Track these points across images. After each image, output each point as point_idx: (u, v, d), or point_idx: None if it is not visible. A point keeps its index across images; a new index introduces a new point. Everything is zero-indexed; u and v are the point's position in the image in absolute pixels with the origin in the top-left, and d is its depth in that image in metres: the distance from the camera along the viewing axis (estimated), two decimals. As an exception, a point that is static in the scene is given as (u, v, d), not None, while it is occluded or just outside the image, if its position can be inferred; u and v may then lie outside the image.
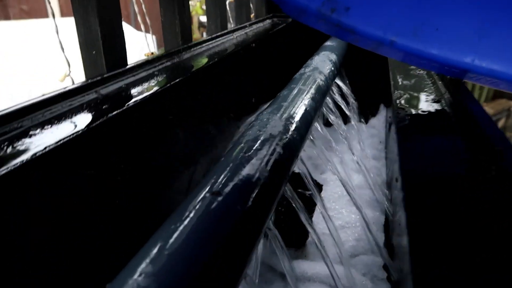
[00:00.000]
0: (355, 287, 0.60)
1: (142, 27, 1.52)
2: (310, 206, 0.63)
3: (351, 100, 1.10)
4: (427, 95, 0.46)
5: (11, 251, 0.32)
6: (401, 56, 0.44)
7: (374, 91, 1.21)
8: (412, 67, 0.61)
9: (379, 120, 1.21)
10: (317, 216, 0.71)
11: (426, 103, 0.43)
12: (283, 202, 0.64)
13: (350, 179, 0.74)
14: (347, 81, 1.11)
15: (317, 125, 0.72)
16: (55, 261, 0.37)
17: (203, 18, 4.51)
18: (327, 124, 1.02)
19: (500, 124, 3.60)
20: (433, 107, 0.41)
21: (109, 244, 0.44)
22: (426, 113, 0.40)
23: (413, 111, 0.40)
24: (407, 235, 0.26)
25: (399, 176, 0.30)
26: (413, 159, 0.31)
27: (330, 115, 0.89)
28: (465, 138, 0.32)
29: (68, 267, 0.39)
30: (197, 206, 0.31)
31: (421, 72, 0.57)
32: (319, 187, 0.68)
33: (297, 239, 0.67)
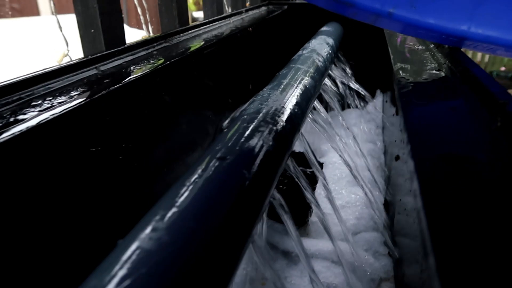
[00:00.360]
0: (358, 262, 0.60)
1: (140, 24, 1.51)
2: (312, 184, 0.64)
3: (349, 85, 1.10)
4: (428, 65, 0.46)
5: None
6: (400, 28, 0.44)
7: (370, 77, 1.21)
8: (410, 45, 0.62)
9: (376, 106, 1.21)
10: (318, 195, 0.72)
11: (427, 72, 0.43)
12: (284, 180, 0.64)
13: (352, 160, 0.74)
14: (346, 67, 1.11)
15: (318, 106, 0.72)
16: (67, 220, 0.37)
17: (196, 14, 4.49)
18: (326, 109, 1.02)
19: None
20: (434, 74, 0.42)
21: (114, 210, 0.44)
22: (428, 80, 0.41)
23: (415, 80, 0.41)
24: (421, 201, 0.25)
25: (407, 143, 0.31)
26: (419, 124, 0.31)
27: (328, 100, 0.90)
28: (468, 97, 0.33)
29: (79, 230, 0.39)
30: (205, 169, 0.31)
31: (420, 47, 0.57)
32: (320, 165, 0.69)
33: (299, 217, 0.68)
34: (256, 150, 0.36)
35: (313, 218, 0.71)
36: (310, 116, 0.68)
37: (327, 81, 0.94)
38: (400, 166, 0.73)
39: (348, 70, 1.17)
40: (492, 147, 0.24)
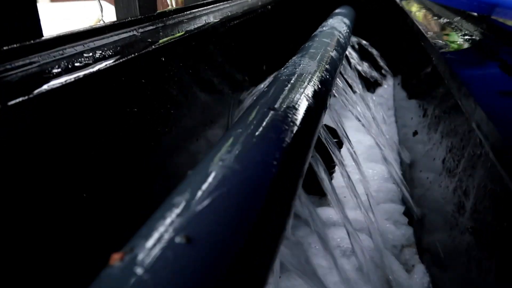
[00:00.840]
0: (379, 230, 0.62)
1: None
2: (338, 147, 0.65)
3: (361, 68, 1.11)
4: (461, 34, 0.47)
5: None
6: None
7: (381, 61, 1.22)
8: (434, 19, 0.63)
9: (387, 90, 1.22)
10: (338, 173, 0.73)
11: (463, 41, 0.45)
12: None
13: (372, 136, 0.76)
14: (361, 45, 1.12)
15: (339, 82, 0.73)
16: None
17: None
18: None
19: None
20: (471, 41, 0.43)
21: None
22: (469, 48, 0.42)
23: (457, 49, 0.42)
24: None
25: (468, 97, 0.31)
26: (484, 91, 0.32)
27: (345, 81, 0.91)
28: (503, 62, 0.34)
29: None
30: (258, 118, 0.33)
31: (445, 20, 0.58)
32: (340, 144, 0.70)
33: (321, 188, 0.69)
34: (300, 104, 0.38)
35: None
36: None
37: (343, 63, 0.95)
38: (419, 140, 0.74)
39: (354, 55, 1.18)
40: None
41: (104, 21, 0.55)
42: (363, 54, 1.19)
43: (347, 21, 0.94)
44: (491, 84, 0.34)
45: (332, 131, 0.60)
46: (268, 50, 1.02)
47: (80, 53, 0.37)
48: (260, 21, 0.86)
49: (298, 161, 0.31)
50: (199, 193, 0.22)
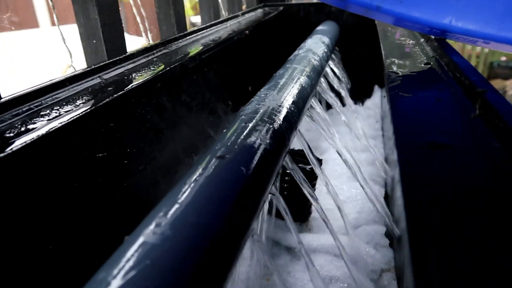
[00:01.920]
0: (359, 255, 0.62)
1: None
2: (311, 180, 0.66)
3: (346, 82, 1.11)
4: (417, 59, 0.48)
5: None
6: (389, 20, 0.46)
7: (368, 73, 1.23)
8: (401, 40, 0.63)
9: (374, 101, 1.23)
10: (319, 191, 0.73)
11: (415, 65, 0.45)
12: (285, 178, 0.66)
13: (351, 156, 0.76)
14: (341, 64, 1.13)
15: (315, 105, 0.74)
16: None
17: (194, 19, 4.52)
18: (325, 106, 1.04)
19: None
20: (422, 67, 0.44)
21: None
22: (416, 73, 0.42)
23: (404, 73, 0.42)
24: (401, 189, 0.27)
25: (392, 134, 0.32)
26: (404, 115, 0.33)
27: (327, 97, 0.92)
28: (452, 87, 0.34)
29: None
30: (205, 168, 0.33)
31: (411, 41, 0.59)
32: (319, 162, 0.70)
33: (301, 213, 0.69)
34: (254, 148, 0.38)
35: (315, 214, 0.73)
36: (308, 114, 0.70)
37: (323, 77, 0.96)
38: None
39: (343, 68, 1.19)
40: (472, 134, 0.26)
41: (74, 67, 0.56)
42: (348, 66, 1.19)
43: (326, 39, 0.95)
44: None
45: (303, 158, 0.61)
46: (253, 71, 1.03)
47: (47, 107, 0.38)
48: (241, 44, 0.87)
49: (242, 214, 0.32)
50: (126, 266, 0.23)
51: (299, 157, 0.63)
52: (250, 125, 0.43)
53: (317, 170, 0.58)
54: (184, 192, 0.30)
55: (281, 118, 0.48)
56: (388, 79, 0.42)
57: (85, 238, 0.41)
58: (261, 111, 0.47)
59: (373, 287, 0.54)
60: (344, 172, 0.87)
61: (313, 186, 0.67)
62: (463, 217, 0.21)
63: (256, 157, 0.37)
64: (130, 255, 0.24)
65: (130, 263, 0.23)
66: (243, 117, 0.45)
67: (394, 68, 0.45)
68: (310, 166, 0.63)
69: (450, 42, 0.53)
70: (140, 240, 0.25)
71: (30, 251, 0.34)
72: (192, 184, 0.31)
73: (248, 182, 0.35)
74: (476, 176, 0.23)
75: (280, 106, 0.50)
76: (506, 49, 0.47)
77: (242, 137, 0.40)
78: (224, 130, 0.43)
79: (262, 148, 0.39)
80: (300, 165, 0.62)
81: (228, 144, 0.38)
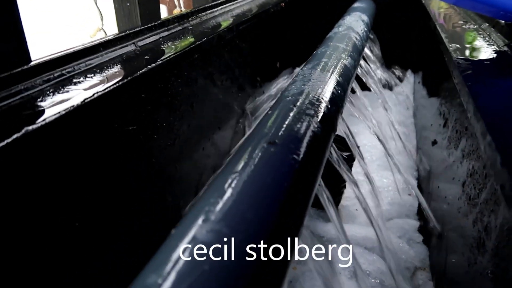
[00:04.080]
0: (392, 250, 0.59)
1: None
2: (348, 167, 0.62)
3: (381, 65, 1.06)
4: (484, 45, 0.43)
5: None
6: (462, 3, 0.42)
7: (402, 57, 1.16)
8: (459, 24, 0.58)
9: (406, 87, 1.17)
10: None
11: (485, 53, 0.40)
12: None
13: (383, 144, 0.72)
14: (377, 45, 1.06)
15: (354, 88, 0.69)
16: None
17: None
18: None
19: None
20: (494, 55, 0.39)
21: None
22: (488, 62, 0.38)
23: (475, 60, 0.38)
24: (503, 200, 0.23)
25: (479, 121, 0.28)
26: (495, 109, 0.28)
27: (366, 79, 0.87)
28: None
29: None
30: (256, 156, 0.30)
31: (470, 26, 0.53)
32: (358, 149, 0.66)
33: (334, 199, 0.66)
34: (305, 134, 0.34)
35: (345, 202, 0.69)
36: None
37: (365, 59, 0.90)
38: (438, 151, 0.70)
39: (377, 51, 1.13)
40: None
41: (104, 31, 0.53)
42: (383, 48, 1.13)
43: (365, 17, 0.89)
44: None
45: (342, 142, 0.57)
46: (281, 49, 0.99)
47: (80, 74, 0.35)
48: (272, 21, 0.82)
49: (297, 208, 0.29)
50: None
51: (337, 143, 0.59)
52: (298, 108, 0.39)
53: (357, 158, 0.54)
54: (235, 183, 0.26)
55: (328, 101, 0.44)
56: (457, 67, 0.37)
57: (119, 209, 0.39)
58: (307, 92, 0.43)
59: (408, 287, 0.51)
60: (375, 159, 0.83)
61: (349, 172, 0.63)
62: None
63: (308, 143, 0.34)
64: (182, 255, 0.21)
65: (185, 266, 0.20)
66: (289, 98, 0.41)
67: (463, 55, 0.40)
68: (347, 153, 0.59)
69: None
70: (190, 237, 0.22)
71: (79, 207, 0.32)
72: (245, 174, 0.27)
73: (302, 170, 0.31)
74: None
75: (326, 87, 0.46)
76: None
77: (291, 121, 0.36)
78: (269, 112, 0.39)
79: (312, 133, 0.36)
80: (338, 151, 0.58)
81: (278, 128, 0.34)
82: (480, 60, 0.39)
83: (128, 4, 0.49)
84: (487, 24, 0.51)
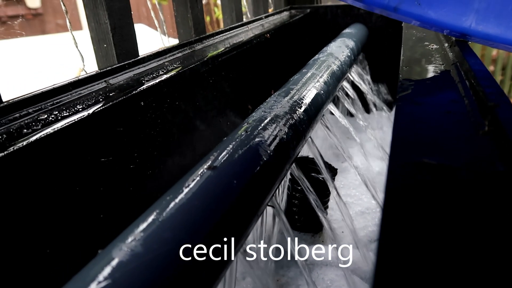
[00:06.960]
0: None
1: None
2: (324, 191, 0.63)
3: (371, 87, 1.07)
4: (435, 65, 0.44)
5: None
6: (407, 20, 0.44)
7: (395, 78, 1.17)
8: (425, 44, 0.60)
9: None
10: (331, 208, 0.70)
11: (432, 73, 0.42)
12: (298, 187, 0.64)
13: (370, 167, 0.73)
14: (367, 68, 1.08)
15: (336, 113, 0.71)
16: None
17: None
18: (349, 113, 1.00)
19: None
20: (438, 75, 0.40)
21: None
22: (429, 82, 0.39)
23: (418, 81, 0.39)
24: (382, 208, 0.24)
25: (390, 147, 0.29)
26: (405, 128, 0.30)
27: (348, 104, 0.88)
28: (466, 98, 0.31)
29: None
30: (193, 180, 0.32)
31: (434, 46, 0.55)
32: (333, 171, 0.67)
33: (314, 224, 0.67)
34: (251, 160, 0.36)
35: (330, 224, 0.70)
36: (323, 121, 0.67)
37: (348, 82, 0.92)
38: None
39: (367, 74, 1.14)
40: (474, 154, 0.23)
41: (85, 71, 0.57)
42: (375, 70, 1.15)
43: (351, 43, 0.91)
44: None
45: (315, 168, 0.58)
46: (276, 75, 1.01)
47: (46, 111, 0.38)
48: (262, 47, 0.86)
49: (224, 231, 0.30)
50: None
51: (314, 165, 0.61)
52: (252, 134, 0.41)
53: (328, 182, 0.55)
54: (167, 205, 0.29)
55: (288, 127, 0.45)
56: (400, 88, 0.39)
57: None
58: (267, 119, 0.45)
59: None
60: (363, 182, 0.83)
61: (326, 197, 0.64)
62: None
63: (252, 170, 0.36)
64: (96, 272, 0.23)
65: (101, 277, 0.22)
66: (245, 125, 0.44)
67: (410, 76, 0.41)
68: (322, 176, 0.60)
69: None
70: (109, 256, 0.24)
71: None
72: (178, 197, 0.29)
73: (240, 196, 0.33)
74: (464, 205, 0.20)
75: (287, 113, 0.48)
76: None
77: (240, 148, 0.38)
78: (225, 138, 0.42)
79: (262, 160, 0.37)
80: (313, 174, 0.60)
81: (224, 154, 0.36)
82: (422, 80, 0.40)
83: (105, 45, 0.53)
84: (447, 44, 0.52)
